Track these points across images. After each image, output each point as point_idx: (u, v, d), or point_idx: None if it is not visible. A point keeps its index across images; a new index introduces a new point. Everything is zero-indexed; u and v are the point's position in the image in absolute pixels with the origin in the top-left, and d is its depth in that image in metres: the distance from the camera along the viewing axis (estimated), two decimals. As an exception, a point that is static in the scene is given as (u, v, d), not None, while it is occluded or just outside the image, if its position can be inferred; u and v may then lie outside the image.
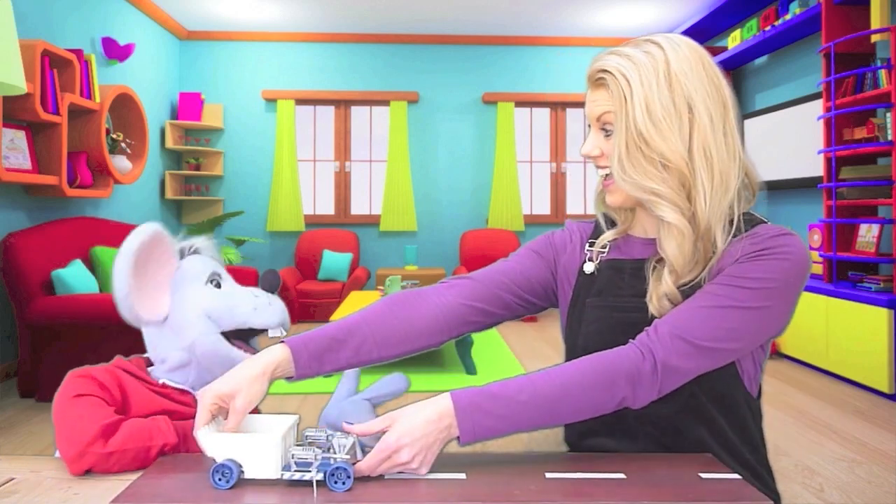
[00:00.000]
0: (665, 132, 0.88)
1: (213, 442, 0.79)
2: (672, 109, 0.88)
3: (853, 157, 3.87)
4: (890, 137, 3.53)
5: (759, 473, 0.96)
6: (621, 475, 0.82)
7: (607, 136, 0.94)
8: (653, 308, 0.91)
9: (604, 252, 1.02)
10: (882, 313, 3.34)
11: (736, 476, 0.82)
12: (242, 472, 0.78)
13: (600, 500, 0.75)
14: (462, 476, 0.82)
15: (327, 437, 0.81)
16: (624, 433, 0.96)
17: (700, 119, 0.89)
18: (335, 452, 0.78)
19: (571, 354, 1.01)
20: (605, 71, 0.91)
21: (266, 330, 1.05)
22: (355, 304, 4.43)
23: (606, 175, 0.96)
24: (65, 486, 0.82)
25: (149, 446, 0.89)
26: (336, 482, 0.76)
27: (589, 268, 1.02)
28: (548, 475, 0.82)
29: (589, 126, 0.98)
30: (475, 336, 4.49)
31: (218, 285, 1.05)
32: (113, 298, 0.98)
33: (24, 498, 0.79)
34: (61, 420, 0.88)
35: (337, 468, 0.77)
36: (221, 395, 0.84)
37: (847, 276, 3.94)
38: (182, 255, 1.08)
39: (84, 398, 0.90)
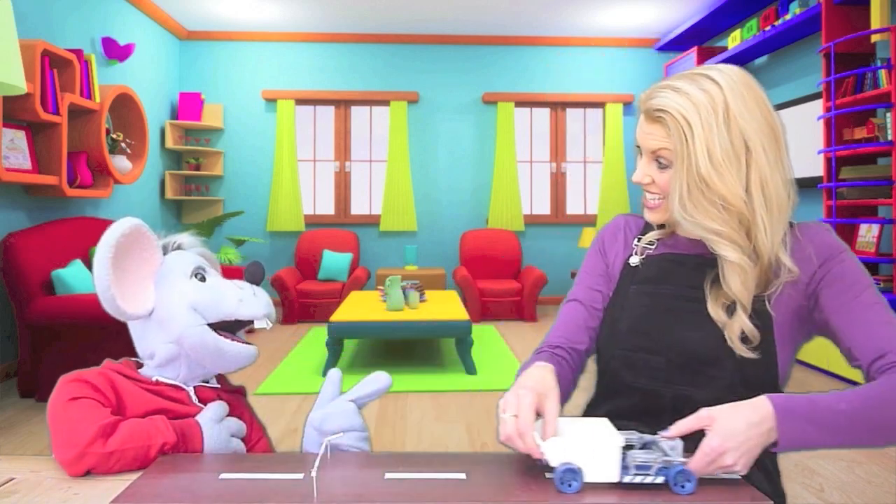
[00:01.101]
0: (725, 175, 0.91)
1: (553, 448, 0.78)
2: (731, 151, 0.91)
3: (853, 157, 3.87)
4: (890, 137, 3.53)
5: (769, 469, 0.98)
6: (621, 475, 0.82)
7: (660, 167, 0.97)
8: (735, 347, 0.94)
9: (650, 248, 1.07)
10: (882, 313, 3.34)
11: (736, 476, 0.82)
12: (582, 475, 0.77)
13: (599, 499, 0.75)
14: (462, 476, 0.82)
15: (639, 438, 0.81)
16: (657, 419, 0.97)
17: (756, 155, 0.92)
18: (666, 455, 0.78)
19: (612, 338, 1.04)
20: (664, 111, 0.93)
21: (252, 322, 1.05)
22: (355, 304, 4.43)
23: (653, 198, 1.01)
24: (65, 486, 0.82)
25: (148, 445, 0.88)
26: (681, 485, 0.76)
27: (634, 261, 1.07)
28: (548, 475, 0.82)
29: (638, 149, 1.01)
30: (475, 336, 4.49)
31: (202, 279, 1.05)
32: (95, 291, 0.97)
33: (24, 498, 0.79)
34: (58, 424, 0.87)
35: (680, 471, 0.77)
36: (540, 393, 0.84)
37: (847, 276, 3.93)
38: (165, 251, 1.08)
39: (79, 401, 0.89)
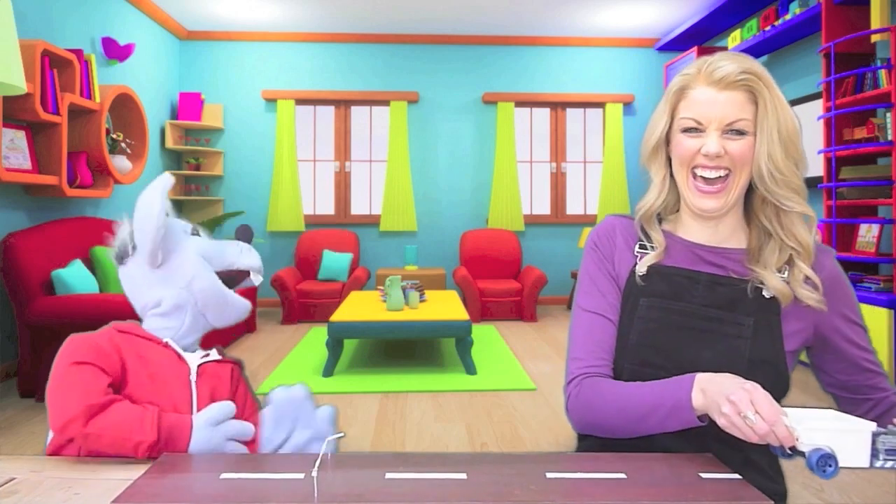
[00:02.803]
0: (798, 133, 0.98)
1: (808, 433, 0.78)
2: (794, 113, 0.99)
3: (853, 157, 3.87)
4: (890, 137, 3.53)
5: (766, 470, 0.98)
6: (621, 475, 0.82)
7: (733, 139, 0.96)
8: (801, 294, 0.98)
9: (648, 254, 1.06)
10: (882, 313, 3.34)
11: (736, 476, 0.82)
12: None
13: (600, 500, 0.75)
14: (462, 476, 0.82)
15: (884, 429, 0.79)
16: (661, 434, 0.96)
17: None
18: None
19: (621, 350, 1.04)
20: (753, 75, 0.95)
21: (249, 275, 1.20)
22: (355, 304, 4.43)
23: (715, 176, 0.98)
24: (65, 486, 0.82)
25: (126, 438, 0.89)
26: None
27: (641, 270, 1.05)
28: (548, 475, 0.82)
29: (685, 126, 0.98)
30: (475, 336, 4.49)
31: (199, 235, 1.18)
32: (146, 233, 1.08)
33: (25, 498, 0.79)
34: (56, 388, 0.90)
35: None
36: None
37: (847, 276, 3.93)
38: None
39: (81, 367, 0.92)
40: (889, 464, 0.77)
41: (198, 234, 1.17)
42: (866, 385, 1.01)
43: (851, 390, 1.02)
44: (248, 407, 1.15)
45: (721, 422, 0.83)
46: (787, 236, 0.99)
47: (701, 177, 0.98)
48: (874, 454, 0.77)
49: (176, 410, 0.97)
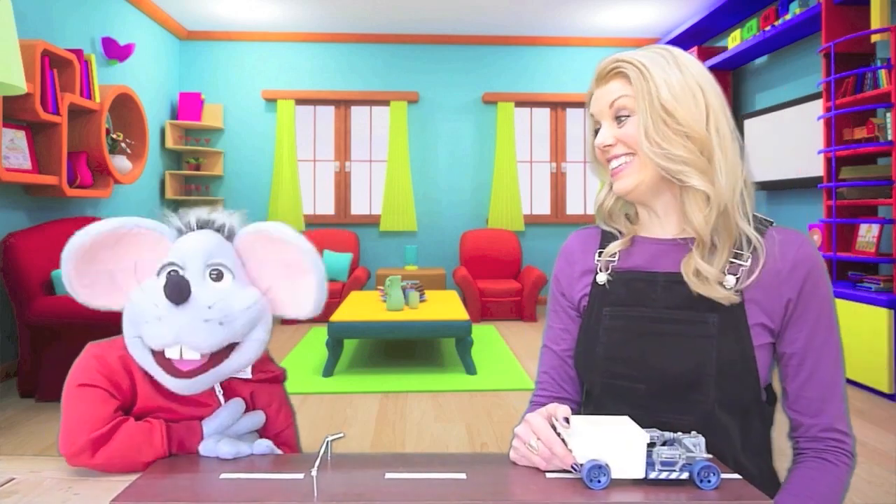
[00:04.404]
0: (686, 103, 0.93)
1: (580, 444, 0.78)
2: (687, 87, 0.93)
3: (853, 157, 3.87)
4: (890, 137, 3.53)
5: (759, 478, 0.97)
6: (621, 475, 0.82)
7: (620, 124, 0.96)
8: (694, 285, 0.92)
9: (613, 260, 1.03)
10: (882, 313, 3.34)
11: (737, 476, 0.82)
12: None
13: (600, 500, 0.75)
14: (462, 476, 0.82)
15: (660, 436, 0.80)
16: None
17: (710, 101, 0.94)
18: (689, 451, 0.78)
19: (590, 365, 1.01)
20: (620, 61, 0.96)
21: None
22: (355, 304, 4.43)
23: (619, 163, 0.98)
24: (65, 486, 0.82)
25: (136, 461, 0.87)
26: (703, 481, 0.76)
27: (602, 279, 1.03)
28: (548, 475, 0.82)
29: (595, 128, 1.01)
30: (475, 336, 4.49)
31: (167, 276, 0.89)
32: None
33: (24, 498, 0.79)
34: (65, 407, 0.89)
35: (704, 467, 0.77)
36: (547, 410, 0.87)
37: (847, 276, 3.94)
38: (182, 232, 1.05)
39: (87, 390, 0.89)
40: (664, 475, 0.77)
41: (171, 272, 0.89)
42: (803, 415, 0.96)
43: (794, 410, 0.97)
44: (283, 419, 1.07)
45: (513, 455, 0.87)
46: (686, 221, 0.95)
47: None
48: (650, 465, 0.78)
49: (179, 434, 0.93)
